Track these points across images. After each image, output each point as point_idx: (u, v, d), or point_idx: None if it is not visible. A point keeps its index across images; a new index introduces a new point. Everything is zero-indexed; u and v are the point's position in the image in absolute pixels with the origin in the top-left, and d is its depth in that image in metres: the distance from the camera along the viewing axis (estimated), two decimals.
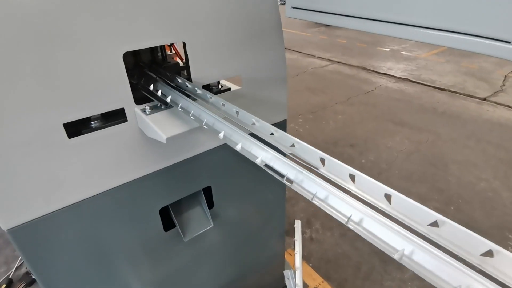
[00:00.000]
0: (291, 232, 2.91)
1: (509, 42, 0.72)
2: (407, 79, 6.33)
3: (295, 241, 1.78)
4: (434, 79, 6.27)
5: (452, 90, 5.77)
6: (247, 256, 1.70)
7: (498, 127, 4.53)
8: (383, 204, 0.44)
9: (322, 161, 0.53)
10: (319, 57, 7.88)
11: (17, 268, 2.56)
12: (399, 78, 6.42)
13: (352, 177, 0.48)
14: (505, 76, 6.25)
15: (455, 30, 0.78)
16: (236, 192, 1.42)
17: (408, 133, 4.45)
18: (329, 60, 7.66)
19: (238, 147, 0.65)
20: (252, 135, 0.68)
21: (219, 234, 1.45)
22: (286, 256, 2.40)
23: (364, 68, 7.01)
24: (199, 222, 1.30)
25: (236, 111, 0.71)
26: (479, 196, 3.27)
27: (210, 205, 1.35)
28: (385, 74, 6.64)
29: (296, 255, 1.74)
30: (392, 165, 3.80)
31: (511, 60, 0.75)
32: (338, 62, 7.49)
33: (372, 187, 0.47)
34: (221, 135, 0.69)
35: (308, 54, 8.16)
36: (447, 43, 0.79)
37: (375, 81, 6.30)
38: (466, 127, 4.55)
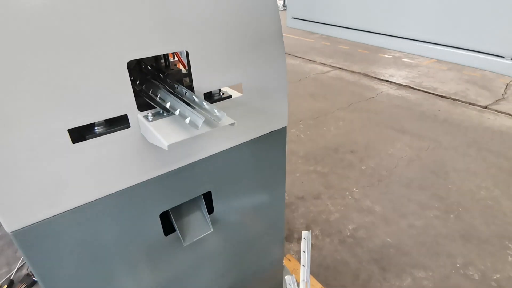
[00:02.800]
0: (290, 238, 2.92)
1: (503, 57, 0.74)
2: (409, 86, 6.36)
3: (302, 253, 1.63)
4: (435, 86, 6.29)
5: (454, 97, 5.78)
6: (246, 261, 1.71)
7: (499, 136, 4.54)
8: None
9: None
10: (321, 63, 7.93)
11: (18, 269, 2.57)
12: (401, 85, 6.44)
13: None
14: (507, 85, 6.27)
15: (450, 45, 0.80)
16: (236, 197, 1.44)
17: (409, 140, 4.46)
18: (331, 66, 7.70)
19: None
20: None
21: (218, 239, 1.46)
22: (285, 262, 2.41)
23: (365, 75, 7.04)
24: (199, 227, 1.32)
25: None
26: (479, 205, 3.27)
27: (210, 210, 1.36)
28: (387, 80, 6.66)
29: (303, 268, 1.59)
30: (392, 172, 3.80)
31: (505, 75, 0.77)
32: (340, 68, 7.53)
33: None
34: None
35: (311, 60, 8.21)
36: (442, 57, 0.81)
37: (376, 88, 6.33)
38: (467, 135, 4.56)
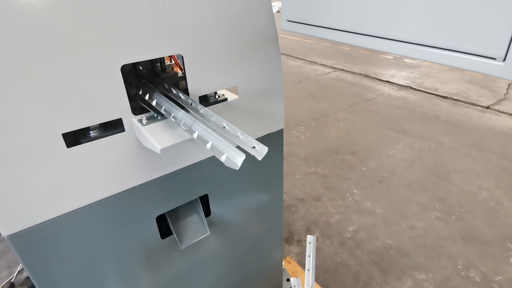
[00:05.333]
0: (290, 240, 2.92)
1: (494, 59, 0.73)
2: (410, 86, 6.34)
3: (307, 257, 1.61)
4: (437, 87, 6.27)
5: (455, 98, 5.76)
6: (245, 264, 1.71)
7: (501, 136, 4.51)
8: None
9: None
10: (322, 64, 7.93)
11: (19, 272, 2.58)
12: (402, 85, 6.43)
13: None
14: (509, 85, 6.23)
15: (443, 47, 0.80)
16: (233, 200, 1.44)
17: (410, 141, 4.44)
18: (332, 67, 7.70)
19: (223, 158, 0.68)
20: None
21: (216, 242, 1.46)
22: (285, 264, 2.41)
23: (366, 76, 7.03)
24: (195, 230, 1.32)
25: (224, 125, 0.74)
26: (481, 206, 3.25)
27: (207, 213, 1.36)
28: (388, 81, 6.65)
29: (307, 273, 1.58)
30: (393, 173, 3.79)
31: (497, 76, 0.76)
32: (341, 69, 7.52)
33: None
34: (208, 145, 0.72)
35: (311, 61, 8.21)
36: (435, 60, 0.81)
37: (377, 89, 6.32)
38: (469, 136, 4.54)
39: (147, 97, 1.01)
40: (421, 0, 0.79)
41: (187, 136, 0.86)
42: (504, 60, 0.71)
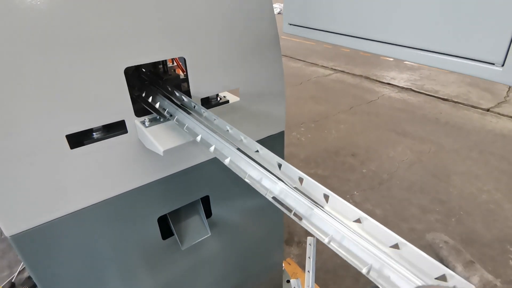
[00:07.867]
0: (290, 241, 2.92)
1: (493, 64, 0.74)
2: (410, 89, 6.35)
3: (307, 259, 1.61)
4: (437, 89, 6.28)
5: (456, 100, 5.77)
6: (245, 265, 1.72)
7: (501, 138, 4.52)
8: (355, 226, 0.49)
9: (301, 180, 0.58)
10: (322, 66, 7.94)
11: (19, 272, 2.59)
12: (402, 88, 6.43)
13: (327, 197, 0.52)
14: (510, 87, 6.24)
15: (442, 52, 0.81)
16: (234, 201, 1.45)
17: (410, 143, 4.45)
18: (332, 69, 7.71)
19: (226, 161, 0.69)
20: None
21: (216, 243, 1.47)
22: (285, 265, 2.41)
23: (367, 78, 7.04)
24: (196, 231, 1.33)
25: (228, 128, 0.75)
26: (480, 208, 3.26)
27: (208, 214, 1.37)
28: (388, 83, 6.66)
29: (307, 274, 1.59)
30: (393, 175, 3.80)
31: (496, 81, 0.77)
32: (342, 71, 7.53)
33: (345, 209, 0.52)
34: (212, 148, 0.73)
35: (312, 63, 8.22)
36: (435, 64, 0.82)
37: (378, 91, 6.32)
38: (469, 138, 4.54)
39: (150, 99, 1.02)
40: (421, 5, 0.80)
41: (189, 138, 0.87)
42: (502, 65, 0.71)
